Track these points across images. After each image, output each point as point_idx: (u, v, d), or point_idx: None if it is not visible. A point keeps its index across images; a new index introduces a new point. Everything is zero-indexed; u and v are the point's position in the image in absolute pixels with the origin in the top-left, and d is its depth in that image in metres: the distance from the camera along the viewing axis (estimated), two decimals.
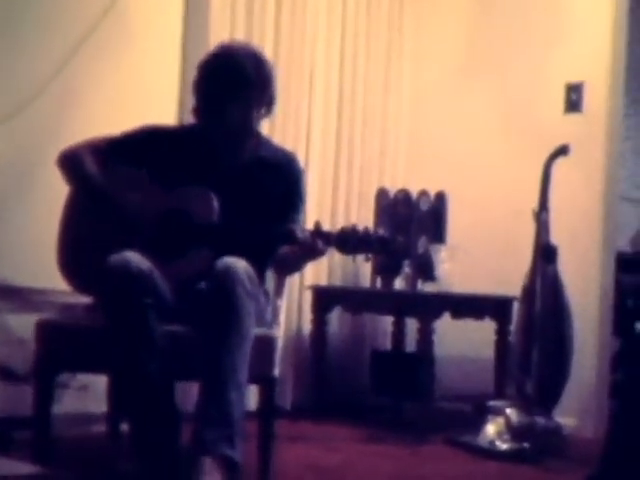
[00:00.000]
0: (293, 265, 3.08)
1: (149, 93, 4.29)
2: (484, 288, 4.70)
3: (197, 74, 3.12)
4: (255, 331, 2.84)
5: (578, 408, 4.53)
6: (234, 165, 3.16)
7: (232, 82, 3.06)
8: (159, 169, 3.10)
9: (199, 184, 3.05)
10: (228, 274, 2.77)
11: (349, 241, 2.87)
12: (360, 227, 2.90)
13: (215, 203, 3.02)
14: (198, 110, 3.12)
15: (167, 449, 2.77)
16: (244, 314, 2.76)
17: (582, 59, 4.87)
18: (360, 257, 2.96)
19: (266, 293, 3.14)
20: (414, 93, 5.50)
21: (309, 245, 2.87)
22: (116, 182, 3.09)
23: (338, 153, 5.14)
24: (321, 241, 2.87)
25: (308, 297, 4.90)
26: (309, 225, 2.99)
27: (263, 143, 3.28)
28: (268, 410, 3.07)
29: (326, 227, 2.97)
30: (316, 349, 4.83)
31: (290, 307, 4.74)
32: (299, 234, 2.88)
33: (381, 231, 2.94)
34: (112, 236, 3.01)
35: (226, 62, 3.10)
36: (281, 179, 3.18)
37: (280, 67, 4.79)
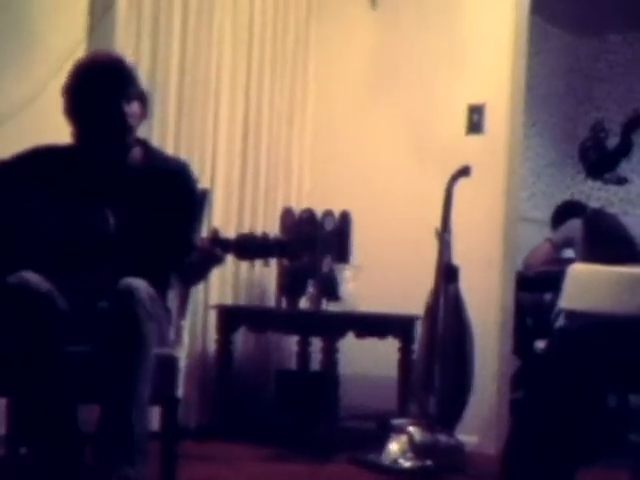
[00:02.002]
0: (194, 274, 3.06)
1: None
2: (388, 307, 4.73)
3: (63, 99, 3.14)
4: (157, 351, 2.83)
5: (479, 426, 4.58)
6: (125, 176, 3.15)
7: (92, 85, 3.08)
8: (52, 188, 3.08)
9: (93, 199, 3.03)
10: (129, 294, 2.75)
11: (247, 246, 2.88)
12: (258, 232, 2.92)
13: (110, 217, 3.00)
14: (75, 131, 3.13)
15: (69, 471, 2.74)
16: (145, 335, 2.75)
17: (483, 81, 4.96)
18: (259, 264, 2.96)
19: (168, 312, 3.12)
20: (319, 112, 5.51)
21: (207, 252, 2.86)
22: (9, 204, 3.06)
23: (243, 173, 5.13)
24: (219, 248, 2.87)
25: (213, 317, 4.87)
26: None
27: (153, 153, 3.28)
28: (171, 430, 3.06)
29: None
30: (221, 369, 4.81)
31: (194, 327, 4.70)
32: (196, 242, 2.88)
33: (279, 235, 2.96)
34: (7, 257, 2.97)
35: (80, 71, 3.13)
36: (175, 188, 3.16)
37: (185, 87, 4.80)
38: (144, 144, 3.26)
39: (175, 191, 3.15)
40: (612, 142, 8.00)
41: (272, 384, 5.04)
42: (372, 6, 5.36)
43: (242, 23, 5.10)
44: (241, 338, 5.03)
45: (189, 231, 3.07)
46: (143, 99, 3.20)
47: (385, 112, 5.29)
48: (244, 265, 4.95)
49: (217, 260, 2.89)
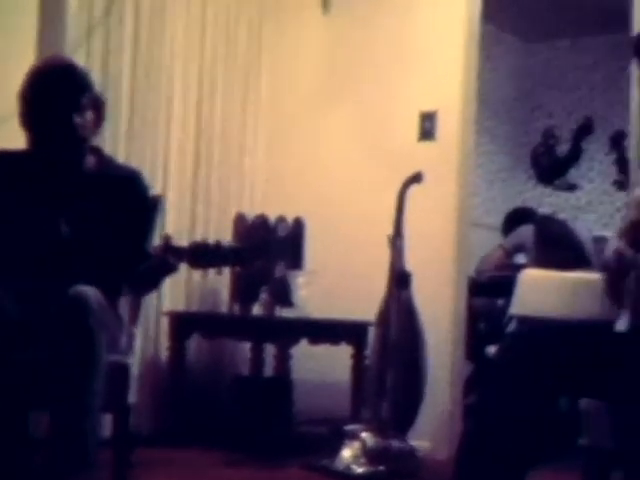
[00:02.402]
0: (147, 283, 3.05)
1: None
2: (341, 313, 4.74)
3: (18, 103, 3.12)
4: (109, 358, 2.81)
5: (432, 431, 4.60)
6: (79, 183, 3.12)
7: (43, 94, 3.06)
8: (6, 194, 3.05)
9: (47, 206, 3.01)
10: (79, 302, 2.73)
11: (201, 255, 2.87)
12: (211, 240, 2.92)
13: (63, 224, 2.98)
14: (29, 138, 3.10)
15: (19, 478, 2.72)
16: (96, 343, 2.72)
17: (435, 88, 4.99)
18: (212, 272, 2.96)
19: (119, 319, 3.10)
20: (272, 118, 5.52)
21: (161, 260, 2.85)
22: None
23: (196, 179, 5.11)
24: (172, 256, 2.86)
25: (166, 323, 4.85)
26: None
27: (106, 161, 3.26)
28: (123, 438, 3.04)
29: None
30: (174, 375, 4.79)
31: (147, 333, 4.68)
32: (149, 250, 2.86)
33: (232, 243, 2.96)
34: None
35: (33, 78, 3.10)
36: (128, 195, 3.15)
37: (137, 91, 4.78)
38: (97, 152, 3.24)
39: (128, 198, 3.14)
40: (562, 149, 8.08)
41: (226, 390, 5.03)
42: (324, 11, 5.38)
43: (194, 30, 5.10)
44: (194, 344, 5.01)
45: (143, 238, 3.06)
46: (97, 106, 3.18)
47: (338, 118, 5.31)
48: (197, 272, 4.93)
49: (170, 269, 2.88)
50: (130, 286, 3.11)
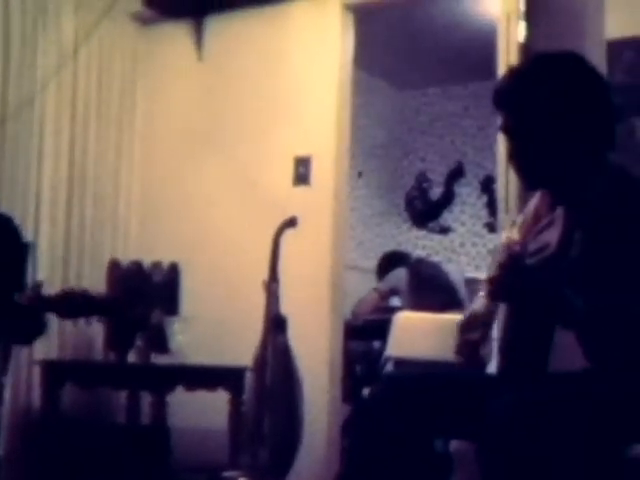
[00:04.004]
0: (14, 334, 2.99)
1: None
2: (218, 359, 4.72)
3: None
4: None
5: (310, 475, 4.60)
6: None
7: None
8: None
9: None
10: None
11: (69, 304, 2.82)
12: (80, 290, 2.88)
13: None
14: None
15: None
16: None
17: (309, 133, 5.05)
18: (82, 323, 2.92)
19: None
20: (147, 163, 5.49)
21: (29, 309, 2.80)
22: None
23: (68, 225, 5.04)
24: (41, 304, 2.81)
25: (38, 372, 4.74)
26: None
27: None
28: None
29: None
30: (47, 426, 4.67)
31: (18, 383, 4.57)
32: (16, 299, 2.81)
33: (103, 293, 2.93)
34: None
35: None
36: (8, 244, 3.11)
37: (7, 138, 4.71)
38: None
39: (8, 247, 3.09)
40: (435, 192, 8.24)
41: (101, 440, 4.93)
42: (198, 58, 5.40)
43: (66, 72, 5.05)
44: (68, 393, 4.91)
45: (16, 284, 3.00)
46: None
47: (213, 163, 5.32)
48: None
49: (39, 320, 2.84)
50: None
